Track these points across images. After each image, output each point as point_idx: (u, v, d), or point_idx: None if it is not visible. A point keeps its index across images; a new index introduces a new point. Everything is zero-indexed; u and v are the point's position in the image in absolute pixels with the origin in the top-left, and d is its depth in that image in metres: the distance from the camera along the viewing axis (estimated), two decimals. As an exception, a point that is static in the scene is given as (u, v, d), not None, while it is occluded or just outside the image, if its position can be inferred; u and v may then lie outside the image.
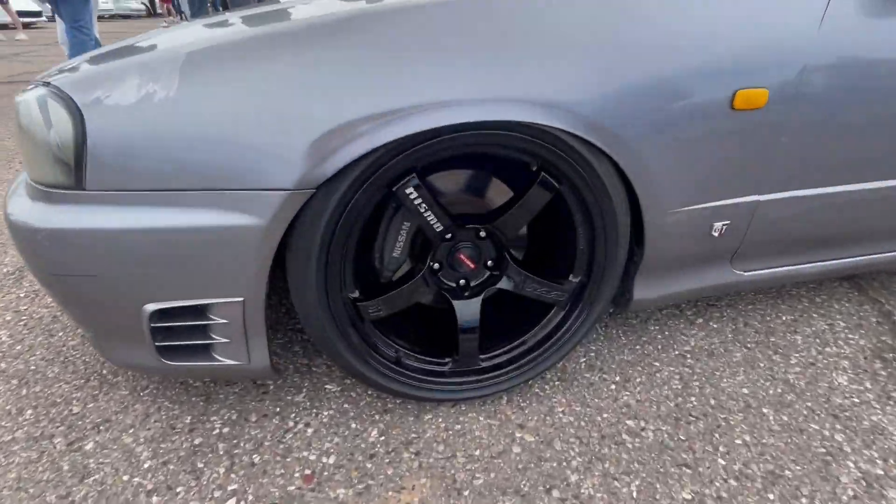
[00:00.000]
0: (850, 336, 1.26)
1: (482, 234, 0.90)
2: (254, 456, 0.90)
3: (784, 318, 1.33)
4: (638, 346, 1.21)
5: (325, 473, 0.87)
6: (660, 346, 1.21)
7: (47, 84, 0.73)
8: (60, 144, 0.70)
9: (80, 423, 0.96)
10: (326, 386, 1.06)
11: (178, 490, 0.83)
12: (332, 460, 0.89)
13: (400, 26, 0.71)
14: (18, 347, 1.17)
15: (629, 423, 0.99)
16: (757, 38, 0.81)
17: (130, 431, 0.94)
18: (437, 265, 0.91)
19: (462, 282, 0.95)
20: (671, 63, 0.78)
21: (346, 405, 1.01)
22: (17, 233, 0.74)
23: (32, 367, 1.10)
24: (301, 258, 0.77)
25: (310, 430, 0.95)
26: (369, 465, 0.88)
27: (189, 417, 0.98)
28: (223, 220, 0.72)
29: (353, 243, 0.81)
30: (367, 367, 0.89)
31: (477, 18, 0.73)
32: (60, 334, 1.21)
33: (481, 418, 0.99)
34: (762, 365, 1.15)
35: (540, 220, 1.04)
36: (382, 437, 0.94)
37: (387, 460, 0.90)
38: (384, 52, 0.70)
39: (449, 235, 0.89)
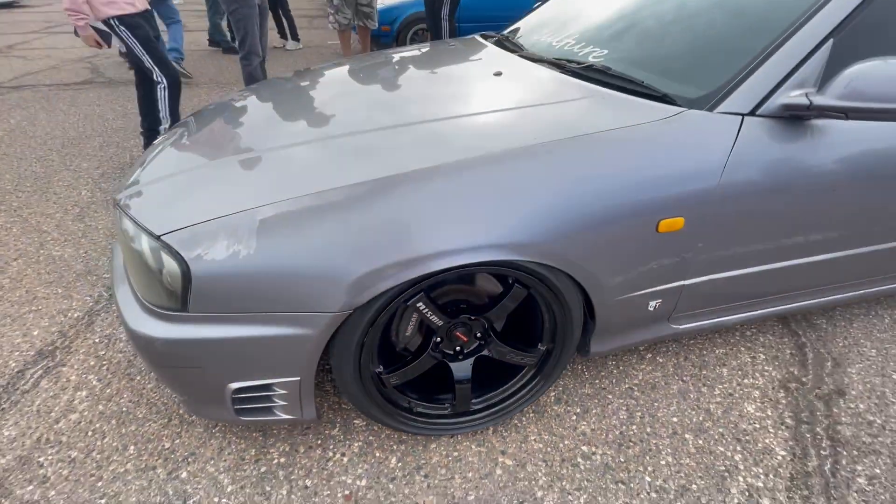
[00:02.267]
0: (766, 368, 1.58)
1: (472, 317, 1.20)
2: (306, 481, 1.23)
3: (717, 352, 1.65)
4: (597, 381, 1.53)
5: (360, 493, 1.20)
6: (614, 381, 1.54)
7: (157, 237, 1.00)
8: (171, 284, 0.98)
9: (172, 455, 1.28)
10: (355, 421, 1.38)
11: (256, 508, 1.17)
12: (364, 483, 1.22)
13: (410, 196, 0.98)
14: (108, 391, 1.48)
15: (583, 448, 1.32)
16: (674, 185, 1.08)
17: (212, 462, 1.27)
18: (438, 339, 1.22)
19: (458, 349, 1.25)
20: (605, 203, 1.06)
21: (370, 437, 1.34)
22: (138, 340, 1.03)
23: (124, 409, 1.42)
24: (342, 355, 1.07)
25: (345, 459, 1.28)
26: (391, 486, 1.22)
27: (253, 450, 1.30)
28: (288, 331, 1.01)
29: (377, 338, 1.11)
30: (390, 418, 1.22)
31: (454, 192, 1.00)
32: (138, 378, 1.52)
33: (473, 446, 1.32)
34: (692, 396, 1.48)
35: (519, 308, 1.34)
36: (400, 464, 1.27)
37: (404, 482, 1.23)
38: (400, 215, 0.97)
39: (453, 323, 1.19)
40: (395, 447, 1.31)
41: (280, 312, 0.99)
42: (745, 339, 1.70)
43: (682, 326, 1.43)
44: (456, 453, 1.30)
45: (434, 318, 1.11)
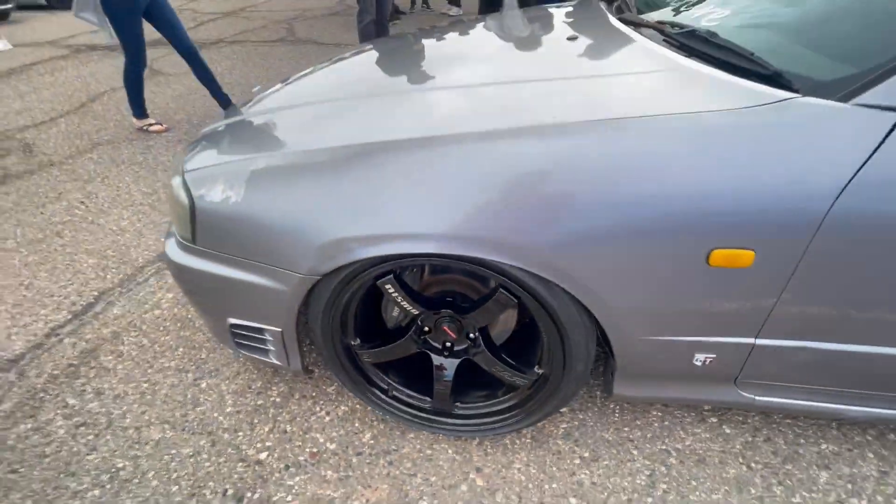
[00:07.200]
0: (900, 495, 1.08)
1: (456, 315, 1.06)
2: (287, 426, 1.29)
3: (823, 448, 1.19)
4: (626, 428, 1.25)
5: (325, 455, 1.21)
6: (650, 435, 1.23)
7: (183, 172, 1.10)
8: (185, 216, 1.08)
9: (203, 366, 1.48)
10: (351, 385, 1.39)
11: (238, 433, 1.27)
12: (332, 447, 1.23)
13: (384, 167, 0.88)
14: (185, 299, 1.76)
15: (572, 500, 1.10)
16: (745, 202, 0.75)
17: (226, 382, 1.42)
18: (426, 328, 1.12)
19: (447, 344, 1.14)
20: (630, 211, 0.79)
21: (357, 406, 1.33)
22: (168, 263, 1.18)
23: (189, 317, 1.67)
24: (313, 312, 1.06)
25: (327, 418, 1.30)
26: (354, 460, 1.20)
27: (260, 383, 1.41)
28: (267, 281, 1.03)
29: (352, 308, 1.07)
30: (360, 394, 1.18)
31: (435, 168, 0.85)
32: (209, 294, 1.77)
33: (450, 451, 1.21)
34: (753, 491, 1.10)
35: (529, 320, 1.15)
36: (372, 441, 1.24)
37: (367, 461, 1.20)
38: (372, 186, 0.89)
39: (433, 314, 1.07)
40: (375, 424, 1.28)
41: (260, 263, 1.02)
42: (881, 443, 1.19)
43: (758, 398, 1.05)
44: (430, 452, 1.21)
45: (405, 305, 1.01)
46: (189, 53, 2.98)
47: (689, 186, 0.77)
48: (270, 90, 1.47)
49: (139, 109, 3.14)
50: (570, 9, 1.68)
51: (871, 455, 1.16)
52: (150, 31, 2.93)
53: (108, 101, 3.86)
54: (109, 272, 1.91)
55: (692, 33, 1.05)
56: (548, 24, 1.49)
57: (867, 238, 0.74)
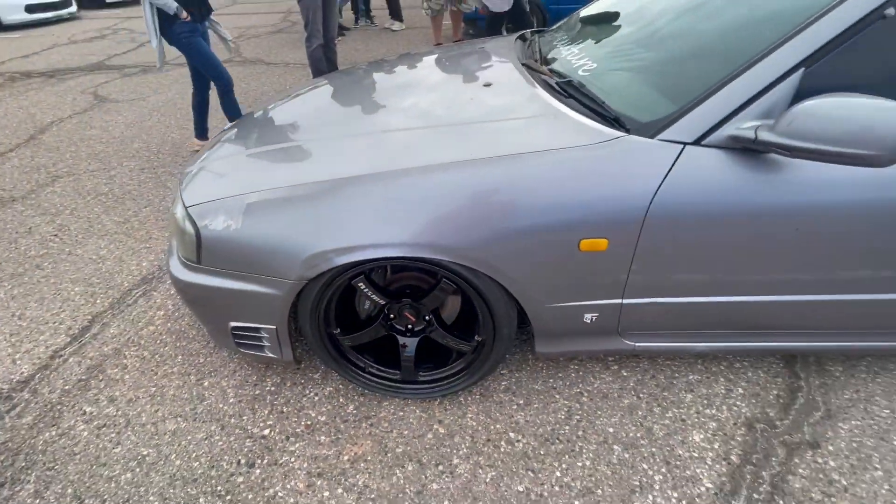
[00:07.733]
0: (738, 403, 1.52)
1: (413, 301, 1.40)
2: (283, 407, 1.57)
3: (690, 378, 1.62)
4: (551, 380, 1.63)
5: (317, 426, 1.51)
6: (568, 383, 1.62)
7: (185, 207, 1.37)
8: (192, 242, 1.35)
9: (203, 368, 1.73)
10: (333, 371, 1.69)
11: (242, 417, 1.54)
12: (323, 419, 1.53)
13: (352, 196, 1.20)
14: (177, 314, 1.99)
15: (511, 434, 1.46)
16: (596, 208, 1.14)
17: (226, 379, 1.68)
18: (391, 315, 1.44)
19: (408, 326, 1.47)
20: (524, 218, 1.16)
21: (340, 386, 1.64)
22: (174, 280, 1.44)
23: (183, 329, 1.91)
24: (302, 311, 1.36)
25: (316, 398, 1.60)
26: (342, 426, 1.51)
27: (255, 377, 1.69)
28: (264, 290, 1.32)
29: (334, 303, 1.38)
30: (344, 372, 1.49)
31: (389, 196, 1.19)
32: (197, 308, 2.01)
33: (417, 410, 1.54)
34: (639, 413, 1.50)
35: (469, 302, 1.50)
36: (355, 410, 1.55)
37: (352, 425, 1.51)
38: (344, 211, 1.20)
39: (396, 303, 1.40)
40: (355, 398, 1.59)
41: (258, 275, 1.31)
42: (730, 371, 1.63)
43: (637, 344, 1.46)
44: (401, 413, 1.54)
45: (375, 297, 1.34)
46: (205, 87, 3.21)
47: (562, 199, 1.15)
48: (242, 126, 1.75)
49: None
50: (500, 45, 2.05)
51: (722, 379, 1.60)
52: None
53: (59, 133, 3.90)
54: (98, 297, 2.10)
55: (570, 83, 1.44)
56: (474, 66, 1.85)
57: (671, 229, 1.14)
